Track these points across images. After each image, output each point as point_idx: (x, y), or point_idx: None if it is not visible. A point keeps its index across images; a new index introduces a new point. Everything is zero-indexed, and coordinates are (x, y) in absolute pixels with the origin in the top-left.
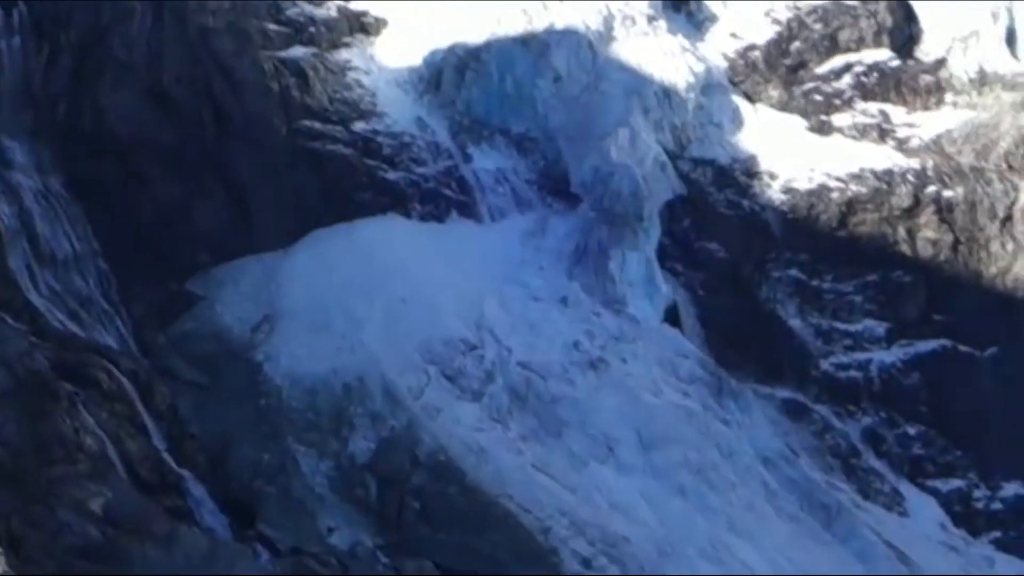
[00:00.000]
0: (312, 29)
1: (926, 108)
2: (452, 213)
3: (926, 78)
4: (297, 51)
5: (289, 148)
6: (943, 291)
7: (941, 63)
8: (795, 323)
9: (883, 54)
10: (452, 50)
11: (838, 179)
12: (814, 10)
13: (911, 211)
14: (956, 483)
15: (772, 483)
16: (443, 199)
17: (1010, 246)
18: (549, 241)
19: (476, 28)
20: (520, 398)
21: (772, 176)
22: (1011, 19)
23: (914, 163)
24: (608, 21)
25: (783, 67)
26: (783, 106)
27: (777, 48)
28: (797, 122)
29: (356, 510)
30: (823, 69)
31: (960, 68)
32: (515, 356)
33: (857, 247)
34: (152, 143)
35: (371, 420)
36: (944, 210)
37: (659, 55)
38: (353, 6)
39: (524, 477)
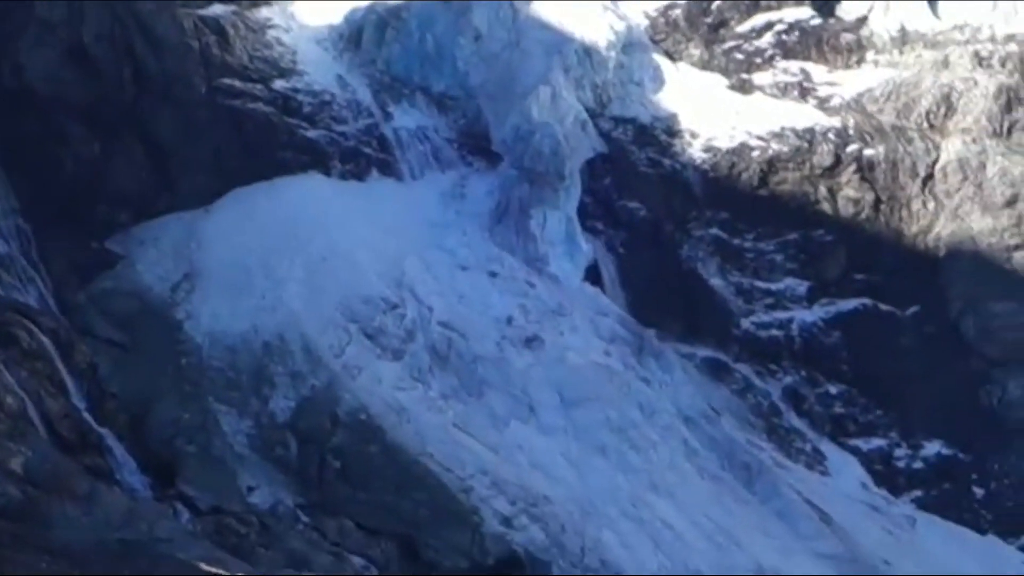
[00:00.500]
0: None
1: (847, 67)
2: (373, 171)
3: (847, 36)
4: (217, 9)
5: (209, 106)
6: (864, 250)
7: (862, 21)
8: (716, 282)
9: (804, 12)
10: (372, 8)
11: (759, 138)
12: None
13: (832, 170)
14: (877, 442)
15: (693, 442)
16: (363, 157)
17: (931, 205)
18: (470, 200)
19: None
20: (441, 357)
21: (693, 135)
22: None
23: (835, 122)
24: None
25: (704, 25)
26: (704, 64)
27: (698, 6)
28: (718, 80)
29: (277, 469)
30: (744, 27)
31: (881, 26)
32: (436, 315)
33: (778, 206)
34: (72, 102)
35: (291, 379)
36: (865, 169)
37: (580, 13)
38: None
39: (445, 436)
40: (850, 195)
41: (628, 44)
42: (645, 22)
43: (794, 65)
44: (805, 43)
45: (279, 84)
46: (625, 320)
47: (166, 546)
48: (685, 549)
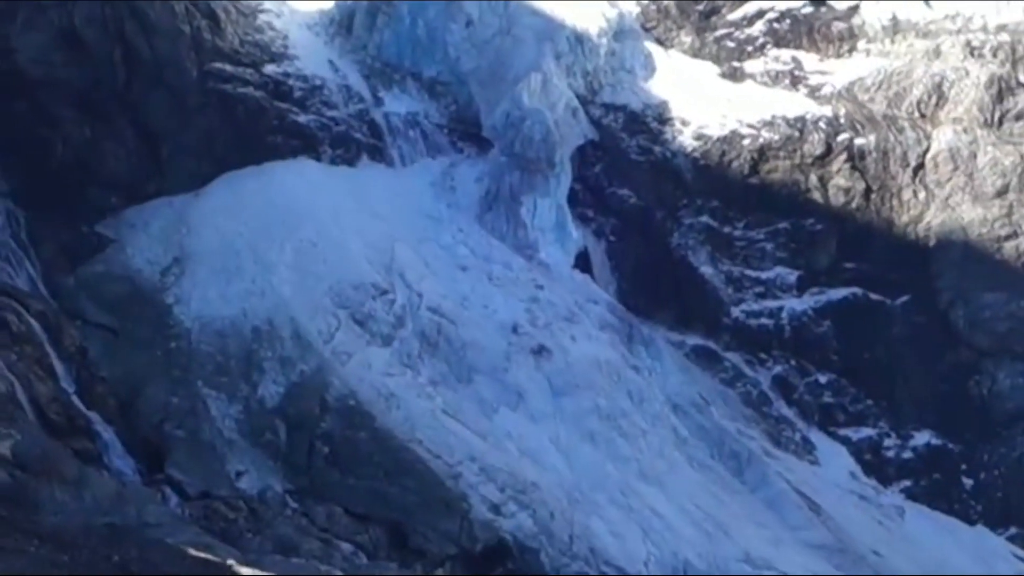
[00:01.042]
0: None
1: (839, 55)
2: (363, 157)
3: (839, 25)
4: None
5: (200, 90)
6: (854, 239)
7: (854, 10)
8: (706, 270)
9: (796, 1)
10: None
11: (750, 126)
12: None
13: (823, 158)
14: (867, 432)
15: (682, 430)
16: (354, 143)
17: (922, 194)
18: (460, 186)
19: None
20: (431, 343)
21: (684, 122)
22: None
23: (826, 110)
24: None
25: (695, 13)
26: (695, 52)
27: None
28: (709, 68)
29: (265, 454)
30: (736, 15)
31: (873, 15)
32: (425, 301)
33: (769, 194)
34: (63, 85)
35: (281, 364)
36: (856, 158)
37: (571, 0)
38: None
39: (434, 422)
40: (841, 184)
41: (619, 31)
42: (636, 9)
43: (785, 54)
44: (797, 31)
45: (270, 69)
46: (615, 308)
47: (154, 530)
48: (674, 537)
